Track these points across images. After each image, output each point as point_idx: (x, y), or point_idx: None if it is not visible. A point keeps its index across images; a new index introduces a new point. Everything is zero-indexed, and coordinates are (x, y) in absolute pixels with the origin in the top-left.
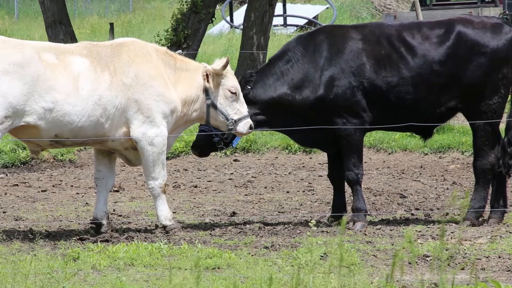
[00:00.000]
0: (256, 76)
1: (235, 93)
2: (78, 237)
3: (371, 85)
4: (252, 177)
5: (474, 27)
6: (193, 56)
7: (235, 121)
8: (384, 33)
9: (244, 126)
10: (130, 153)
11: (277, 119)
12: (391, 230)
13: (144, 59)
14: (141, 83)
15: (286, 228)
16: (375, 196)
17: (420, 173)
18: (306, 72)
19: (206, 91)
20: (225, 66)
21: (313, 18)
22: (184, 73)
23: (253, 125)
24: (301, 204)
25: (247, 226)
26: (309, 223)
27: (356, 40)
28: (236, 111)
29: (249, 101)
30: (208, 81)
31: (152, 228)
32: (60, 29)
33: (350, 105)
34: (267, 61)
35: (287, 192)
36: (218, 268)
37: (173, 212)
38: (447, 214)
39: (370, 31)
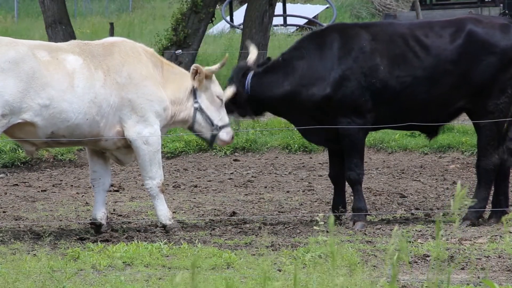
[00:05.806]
0: (269, 70)
1: (221, 100)
2: (78, 237)
3: (382, 85)
4: (252, 177)
5: (484, 26)
6: (193, 56)
7: (219, 127)
8: (396, 32)
9: (227, 134)
10: (121, 152)
11: (282, 115)
12: (391, 230)
13: (135, 59)
14: (134, 83)
15: (286, 228)
16: (375, 196)
17: (420, 173)
18: (317, 69)
19: (194, 94)
20: (223, 64)
21: (313, 18)
22: (172, 76)
23: (233, 135)
24: (301, 204)
25: (247, 226)
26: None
27: (368, 40)
28: (221, 118)
29: (257, 97)
30: (194, 78)
31: (152, 228)
32: (60, 29)
33: (358, 105)
34: (280, 56)
35: (287, 192)
36: (218, 268)
37: (173, 212)
38: (446, 214)
39: (382, 30)
